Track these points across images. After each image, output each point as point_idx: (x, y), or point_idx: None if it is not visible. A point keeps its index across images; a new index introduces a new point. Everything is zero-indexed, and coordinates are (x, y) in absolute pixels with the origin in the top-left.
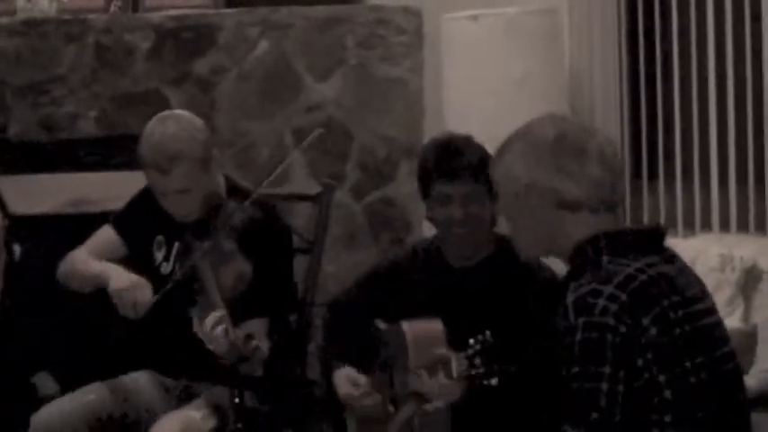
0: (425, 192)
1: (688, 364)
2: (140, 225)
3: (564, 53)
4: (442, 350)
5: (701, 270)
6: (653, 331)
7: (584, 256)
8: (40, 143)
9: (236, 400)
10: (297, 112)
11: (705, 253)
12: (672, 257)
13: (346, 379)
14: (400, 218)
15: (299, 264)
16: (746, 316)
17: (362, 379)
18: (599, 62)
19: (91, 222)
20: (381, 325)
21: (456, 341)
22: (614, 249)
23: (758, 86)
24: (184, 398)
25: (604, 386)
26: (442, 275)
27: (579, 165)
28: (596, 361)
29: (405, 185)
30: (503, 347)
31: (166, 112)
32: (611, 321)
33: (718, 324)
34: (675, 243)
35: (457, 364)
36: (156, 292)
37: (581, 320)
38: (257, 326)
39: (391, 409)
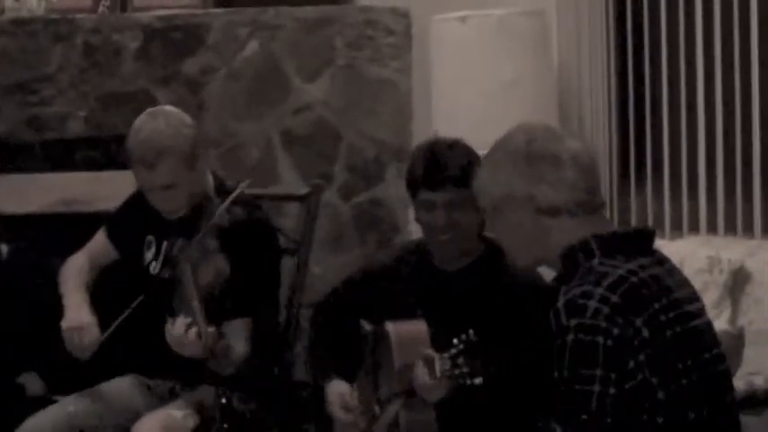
0: (413, 196)
1: (680, 365)
2: (131, 227)
3: (552, 54)
4: (427, 350)
5: (688, 272)
6: (645, 333)
7: (574, 259)
8: (29, 143)
9: (223, 400)
10: (285, 112)
11: (693, 255)
12: (661, 259)
13: (339, 399)
14: (388, 219)
15: (286, 264)
16: (734, 318)
17: (354, 403)
18: (587, 64)
19: (79, 222)
20: (366, 326)
21: (441, 343)
22: (605, 251)
23: (746, 89)
24: (169, 398)
25: (596, 388)
26: (428, 277)
27: (553, 169)
28: (588, 363)
29: (393, 187)
30: (486, 347)
31: (156, 108)
32: (602, 323)
33: (709, 326)
34: (663, 245)
35: (440, 363)
36: (144, 291)
37: (572, 322)
38: (238, 326)
39: (377, 409)
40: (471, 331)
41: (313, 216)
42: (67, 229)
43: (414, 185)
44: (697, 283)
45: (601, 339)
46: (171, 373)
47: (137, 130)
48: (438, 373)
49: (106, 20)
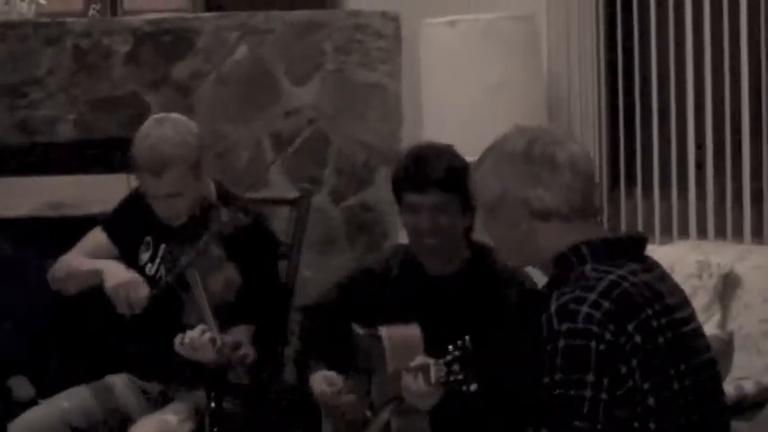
0: (398, 200)
1: (671, 371)
2: (129, 227)
3: (542, 59)
4: (421, 356)
5: (678, 277)
6: (637, 339)
7: (566, 265)
8: (18, 146)
9: (212, 404)
10: (275, 116)
11: (682, 260)
12: (653, 265)
13: (322, 378)
14: (378, 223)
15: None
16: (723, 323)
17: (338, 378)
18: (577, 68)
19: (68, 226)
20: (359, 330)
21: (432, 347)
22: (597, 257)
23: (736, 93)
24: (162, 402)
25: (588, 393)
26: (417, 282)
27: (550, 173)
28: (580, 368)
29: (382, 190)
30: (481, 354)
31: (162, 114)
32: (594, 329)
33: (699, 332)
34: (653, 249)
35: (435, 369)
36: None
37: (564, 327)
38: (244, 332)
39: (369, 414)
40: (467, 338)
41: (303, 220)
42: (57, 233)
43: (399, 188)
44: (687, 287)
45: (593, 344)
46: (165, 376)
47: (143, 136)
48: (433, 380)
49: (96, 23)
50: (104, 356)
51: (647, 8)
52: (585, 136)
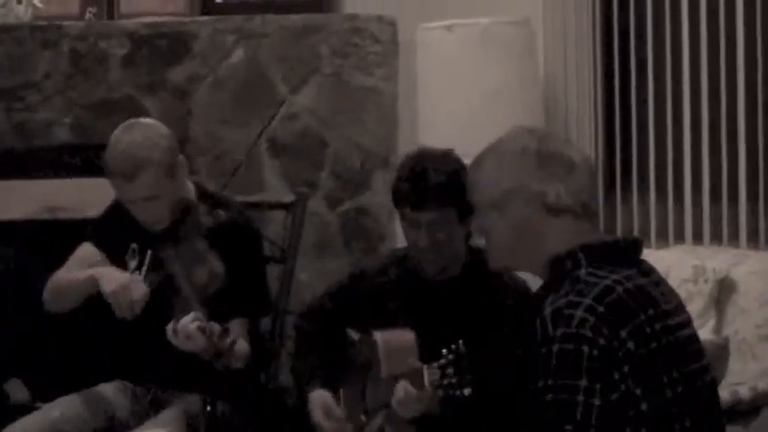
0: (398, 211)
1: (664, 377)
2: (114, 236)
3: (538, 63)
4: (415, 360)
5: (673, 281)
6: (630, 344)
7: (561, 268)
8: (14, 149)
9: (208, 408)
10: (271, 119)
11: (678, 264)
12: (648, 270)
13: (322, 407)
14: (374, 227)
15: (272, 272)
16: (719, 328)
17: (337, 411)
18: (573, 72)
19: (64, 229)
20: (353, 334)
21: (427, 352)
22: (592, 261)
23: (732, 99)
24: (154, 406)
25: (580, 398)
26: (414, 286)
27: (565, 170)
28: (572, 373)
29: (378, 195)
30: (475, 358)
31: (132, 120)
32: (588, 333)
33: (694, 337)
34: (648, 254)
35: (429, 373)
36: None
37: (558, 332)
38: (237, 326)
39: (363, 419)
40: (461, 342)
41: (299, 224)
42: (52, 237)
43: (398, 203)
44: (682, 292)
45: (586, 349)
46: (157, 380)
47: (113, 143)
48: (427, 384)
49: (93, 27)
50: (98, 360)
51: (644, 12)
52: (582, 140)
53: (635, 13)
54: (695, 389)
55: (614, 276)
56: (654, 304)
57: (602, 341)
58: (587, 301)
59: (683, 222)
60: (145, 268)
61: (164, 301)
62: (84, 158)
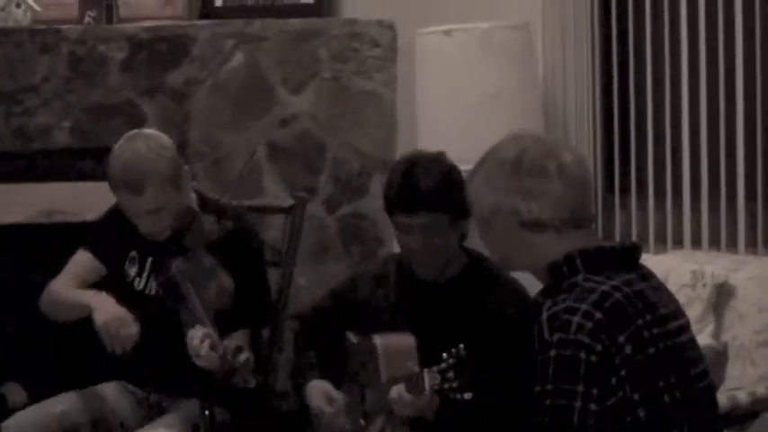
0: (390, 217)
1: (662, 382)
2: (113, 243)
3: (538, 68)
4: (414, 364)
5: (672, 286)
6: (627, 350)
7: (559, 274)
8: (13, 153)
9: (207, 413)
10: (270, 124)
11: (676, 269)
12: (647, 275)
13: (321, 393)
14: (372, 232)
15: (271, 276)
16: (717, 333)
17: (339, 396)
18: (572, 77)
19: (63, 233)
20: (353, 338)
21: (426, 355)
22: (590, 267)
23: (731, 103)
24: (155, 410)
25: (577, 404)
26: (413, 290)
27: (538, 183)
28: (570, 378)
29: (377, 199)
30: (476, 362)
31: (134, 132)
32: (585, 339)
33: (693, 342)
34: (647, 259)
35: (429, 377)
36: (131, 307)
37: (556, 337)
38: (241, 337)
39: (362, 422)
40: (461, 346)
41: (298, 228)
42: (51, 241)
43: (389, 209)
44: (681, 297)
45: (583, 355)
46: (160, 384)
47: (117, 156)
48: (427, 388)
49: (92, 31)
50: (97, 363)
51: (643, 17)
52: (580, 144)
53: (633, 17)
54: (693, 394)
55: (612, 282)
56: (652, 309)
57: (599, 347)
58: (585, 306)
59: (681, 227)
60: (146, 275)
61: (168, 311)
62: (82, 162)
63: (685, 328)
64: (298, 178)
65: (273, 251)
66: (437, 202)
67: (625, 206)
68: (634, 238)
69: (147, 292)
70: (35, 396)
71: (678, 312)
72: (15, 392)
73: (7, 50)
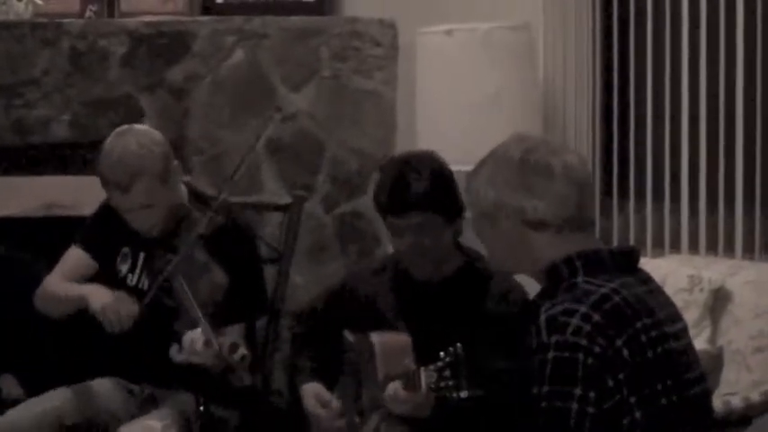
0: (383, 218)
1: (659, 385)
2: (105, 239)
3: (538, 68)
4: (411, 362)
5: (669, 290)
6: (625, 352)
7: (558, 275)
8: (13, 146)
9: (201, 408)
10: (270, 121)
11: (674, 274)
12: (645, 279)
13: (315, 397)
14: (369, 231)
15: (268, 274)
16: (713, 337)
17: (333, 401)
18: (573, 78)
19: (61, 226)
20: (350, 336)
21: (422, 354)
22: (589, 269)
23: (730, 108)
24: (149, 403)
25: (574, 406)
26: (409, 289)
27: (544, 182)
28: (567, 381)
29: None
30: (472, 361)
31: (125, 127)
32: (583, 342)
33: (690, 346)
34: (644, 263)
35: (426, 376)
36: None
37: (553, 339)
38: (236, 332)
39: (358, 420)
40: (459, 345)
41: (295, 226)
42: (50, 234)
43: (380, 210)
44: (677, 301)
45: (581, 357)
46: (153, 379)
47: (107, 152)
48: (423, 386)
49: (93, 25)
50: (92, 357)
51: (644, 18)
52: (580, 146)
53: (634, 18)
54: (689, 398)
55: (611, 284)
56: (650, 313)
57: (597, 349)
58: (583, 308)
59: (679, 232)
60: (138, 271)
61: (161, 306)
62: (82, 156)
63: (683, 332)
64: (296, 176)
65: (270, 249)
66: (428, 203)
67: (623, 210)
68: (632, 241)
69: (139, 287)
70: (30, 389)
71: (676, 316)
72: (10, 385)
73: (8, 44)
